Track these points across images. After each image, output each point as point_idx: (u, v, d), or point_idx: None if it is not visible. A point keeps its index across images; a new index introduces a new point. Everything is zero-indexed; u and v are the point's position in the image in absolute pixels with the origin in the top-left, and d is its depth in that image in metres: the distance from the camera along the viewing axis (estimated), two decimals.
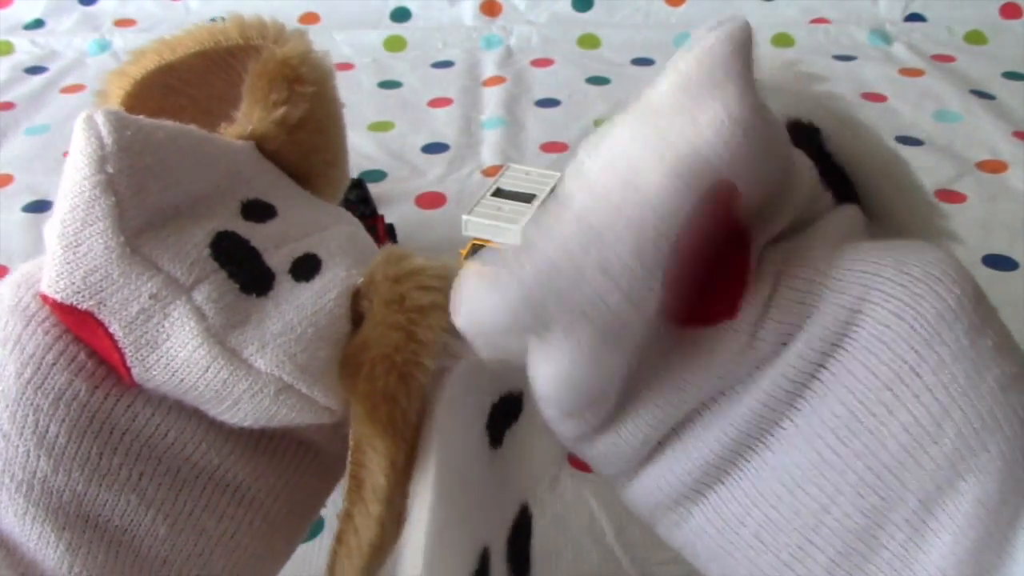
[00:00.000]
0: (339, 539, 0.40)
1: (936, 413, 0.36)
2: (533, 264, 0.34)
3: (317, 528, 0.62)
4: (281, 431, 0.40)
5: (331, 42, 1.30)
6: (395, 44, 1.30)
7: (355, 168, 1.03)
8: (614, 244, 0.34)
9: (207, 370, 0.36)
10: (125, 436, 0.37)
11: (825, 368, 0.37)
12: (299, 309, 0.38)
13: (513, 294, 0.34)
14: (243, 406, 0.37)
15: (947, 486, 0.37)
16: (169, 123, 0.40)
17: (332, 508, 0.62)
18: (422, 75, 1.23)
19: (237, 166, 0.41)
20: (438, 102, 1.16)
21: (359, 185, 0.90)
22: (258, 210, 0.41)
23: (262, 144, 0.43)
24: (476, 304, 0.36)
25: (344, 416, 0.40)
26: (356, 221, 0.45)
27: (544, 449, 0.43)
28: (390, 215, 0.89)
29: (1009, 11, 1.31)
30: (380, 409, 0.37)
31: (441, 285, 0.39)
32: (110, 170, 0.35)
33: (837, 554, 0.38)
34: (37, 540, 0.37)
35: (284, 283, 0.38)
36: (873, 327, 0.37)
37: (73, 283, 0.36)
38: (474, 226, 0.83)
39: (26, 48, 1.30)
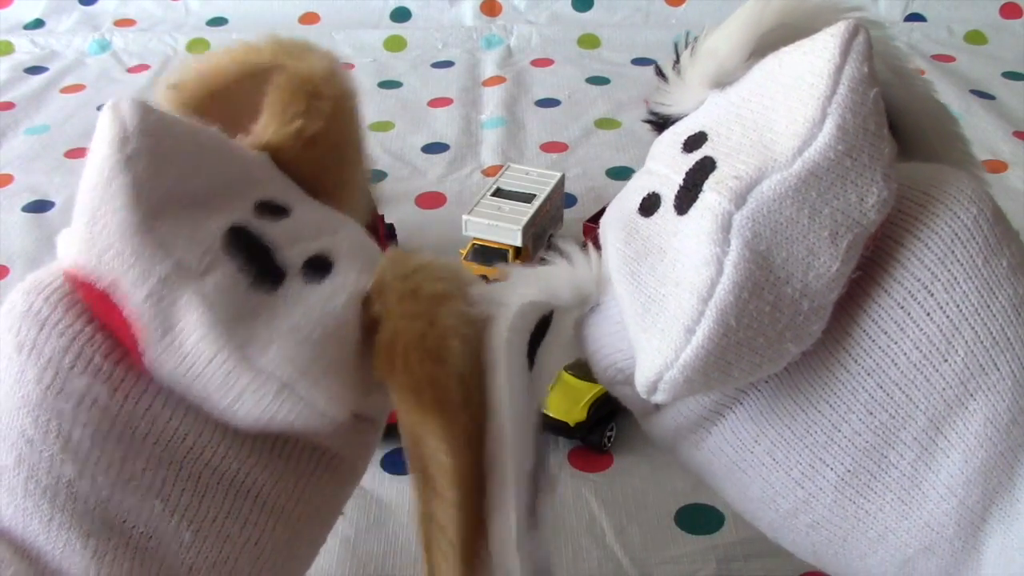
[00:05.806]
0: (427, 546, 0.40)
1: (947, 331, 0.37)
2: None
3: None
4: (295, 437, 0.40)
5: (331, 42, 1.30)
6: (395, 44, 1.30)
7: None
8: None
9: (212, 360, 0.36)
10: (147, 440, 0.37)
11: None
12: (307, 310, 0.38)
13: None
14: (244, 402, 0.37)
15: (956, 404, 0.37)
16: (191, 120, 0.40)
17: None
18: (422, 75, 1.23)
19: (252, 169, 0.42)
20: (438, 102, 1.16)
21: None
22: (272, 209, 0.41)
23: (276, 156, 0.43)
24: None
25: (350, 422, 0.40)
26: (362, 229, 0.45)
27: (557, 356, 0.44)
28: (390, 215, 0.89)
29: (1009, 11, 1.31)
30: (425, 395, 0.38)
31: (450, 276, 0.40)
32: (129, 151, 0.36)
33: (847, 472, 0.39)
34: (63, 548, 0.37)
35: (295, 282, 0.39)
36: (889, 245, 0.38)
37: (91, 260, 0.36)
38: (474, 226, 0.83)
39: (26, 48, 1.30)
